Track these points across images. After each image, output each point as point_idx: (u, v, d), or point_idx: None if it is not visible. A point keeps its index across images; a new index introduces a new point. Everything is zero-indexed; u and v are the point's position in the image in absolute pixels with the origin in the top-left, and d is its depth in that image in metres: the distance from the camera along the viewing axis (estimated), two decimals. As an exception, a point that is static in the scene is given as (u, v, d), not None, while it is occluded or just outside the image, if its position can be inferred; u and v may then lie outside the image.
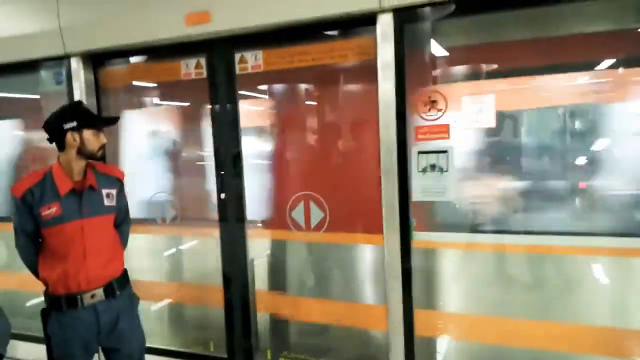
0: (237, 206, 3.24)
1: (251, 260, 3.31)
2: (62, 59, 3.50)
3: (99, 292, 2.33)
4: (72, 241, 2.28)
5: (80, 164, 2.31)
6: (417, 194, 2.69)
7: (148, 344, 2.63)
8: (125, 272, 2.50)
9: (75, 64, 3.48)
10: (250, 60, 3.09)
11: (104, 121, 2.57)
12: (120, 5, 3.20)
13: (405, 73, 2.62)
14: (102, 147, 2.34)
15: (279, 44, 3.01)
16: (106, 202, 2.40)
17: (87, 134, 2.27)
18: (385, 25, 2.60)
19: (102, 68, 3.58)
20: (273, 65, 3.06)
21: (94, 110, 3.52)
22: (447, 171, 2.62)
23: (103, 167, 2.50)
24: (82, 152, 2.27)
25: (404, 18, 2.58)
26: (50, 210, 2.26)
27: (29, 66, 3.62)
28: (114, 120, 2.56)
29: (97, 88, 3.60)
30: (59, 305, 2.31)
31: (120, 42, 3.26)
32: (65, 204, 2.28)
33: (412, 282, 2.76)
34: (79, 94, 3.51)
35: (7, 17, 3.56)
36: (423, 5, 2.51)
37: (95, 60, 3.54)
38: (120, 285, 2.42)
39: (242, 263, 3.28)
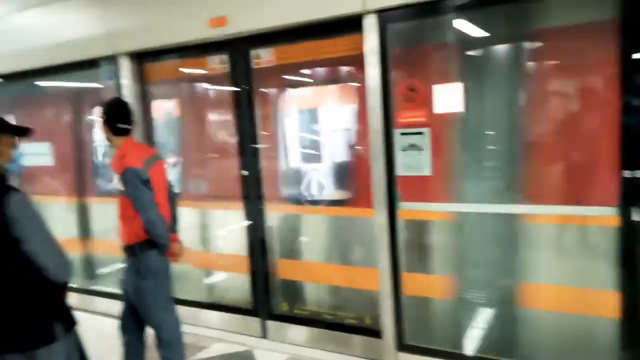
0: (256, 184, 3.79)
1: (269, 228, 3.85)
2: (110, 59, 4.14)
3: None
4: None
5: None
6: (400, 170, 3.10)
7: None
8: (133, 245, 2.85)
9: (122, 62, 4.11)
10: (264, 56, 3.58)
11: None
12: (156, 13, 3.78)
13: (389, 65, 3.02)
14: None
15: (287, 42, 3.49)
16: (118, 186, 2.87)
17: None
18: (370, 23, 3.00)
19: (145, 64, 4.18)
20: (282, 60, 3.54)
21: (139, 101, 4.18)
22: (423, 149, 3.01)
23: None
24: None
25: (385, 17, 2.98)
26: None
27: (85, 65, 4.30)
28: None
29: (142, 81, 4.22)
30: None
31: (157, 43, 3.85)
32: None
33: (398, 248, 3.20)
34: (127, 86, 4.14)
35: (65, 24, 4.25)
36: (398, 8, 2.91)
37: (140, 58, 4.15)
38: (129, 252, 2.89)
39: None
